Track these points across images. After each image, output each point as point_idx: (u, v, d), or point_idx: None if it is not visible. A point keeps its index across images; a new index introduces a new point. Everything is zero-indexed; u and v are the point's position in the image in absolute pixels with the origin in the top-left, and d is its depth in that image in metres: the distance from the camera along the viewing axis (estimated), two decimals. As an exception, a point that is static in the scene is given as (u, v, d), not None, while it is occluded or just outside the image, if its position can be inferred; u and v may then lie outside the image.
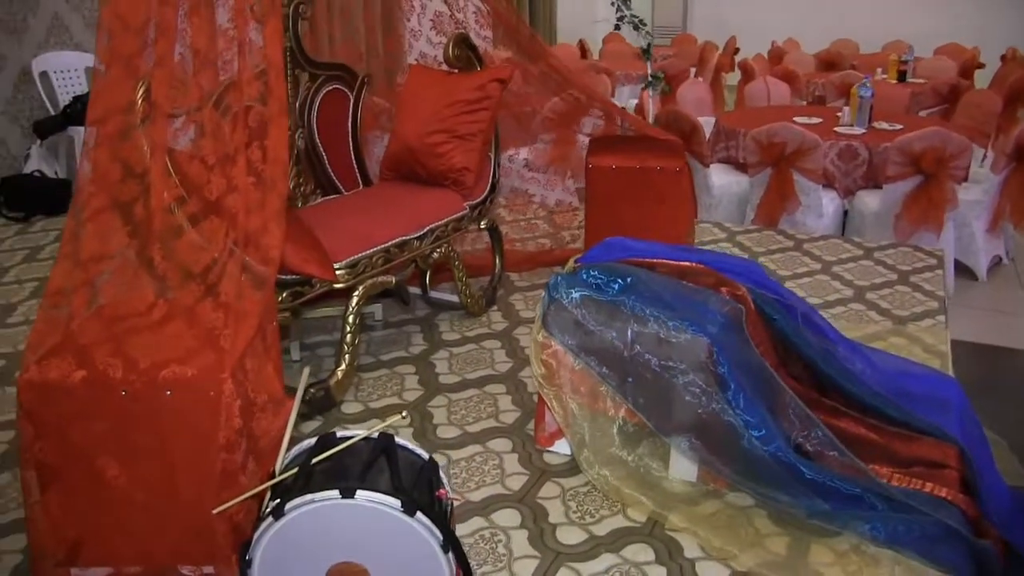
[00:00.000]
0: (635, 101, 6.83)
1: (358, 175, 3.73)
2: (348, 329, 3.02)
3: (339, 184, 3.63)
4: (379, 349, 3.46)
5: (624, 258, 2.76)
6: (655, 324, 2.42)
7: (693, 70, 8.81)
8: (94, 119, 2.35)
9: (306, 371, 2.15)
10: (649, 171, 3.80)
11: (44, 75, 5.80)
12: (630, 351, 2.45)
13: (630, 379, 2.46)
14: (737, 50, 10.02)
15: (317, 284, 2.84)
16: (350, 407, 3.03)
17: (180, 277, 2.10)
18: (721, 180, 5.54)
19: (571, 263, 2.86)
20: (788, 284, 4.03)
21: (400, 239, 3.18)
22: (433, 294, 3.81)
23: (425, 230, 3.30)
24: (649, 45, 4.54)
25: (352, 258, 2.98)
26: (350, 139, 3.68)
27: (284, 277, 2.74)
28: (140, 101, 2.36)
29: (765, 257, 4.41)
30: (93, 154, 2.32)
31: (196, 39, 2.34)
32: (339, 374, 3.00)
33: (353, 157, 3.70)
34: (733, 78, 9.33)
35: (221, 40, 2.37)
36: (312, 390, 2.95)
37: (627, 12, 4.46)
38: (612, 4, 4.53)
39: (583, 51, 9.96)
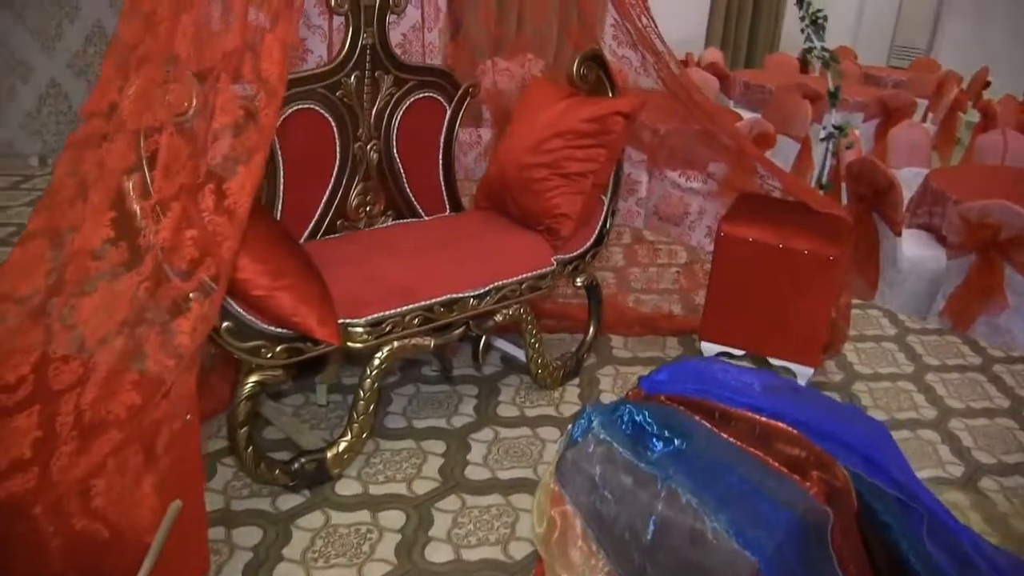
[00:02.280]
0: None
1: (445, 198, 3.19)
2: (361, 397, 2.52)
3: (418, 206, 3.11)
4: (418, 410, 2.94)
5: (698, 396, 2.08)
6: (692, 514, 1.74)
7: (924, 105, 7.61)
8: (83, 113, 1.96)
9: (175, 505, 1.65)
10: (793, 253, 3.03)
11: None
12: (651, 540, 1.79)
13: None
14: (987, 84, 8.62)
15: (322, 343, 2.35)
16: (347, 486, 2.53)
17: (70, 348, 1.65)
18: (914, 252, 4.56)
19: (636, 382, 2.21)
20: (955, 423, 3.13)
21: (450, 296, 2.62)
22: (505, 346, 3.25)
23: (488, 288, 2.73)
24: (837, 88, 3.68)
25: (376, 315, 2.46)
26: (440, 156, 3.14)
27: (277, 330, 2.27)
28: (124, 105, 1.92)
29: (935, 373, 3.50)
30: (60, 159, 1.94)
31: (179, 40, 1.87)
32: (340, 446, 2.51)
33: (441, 177, 3.17)
34: (975, 115, 8.01)
35: (221, 43, 1.89)
36: (303, 460, 2.48)
37: (816, 44, 3.64)
38: (801, 31, 3.72)
39: (803, 64, 8.91)
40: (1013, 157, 5.91)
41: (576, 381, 3.20)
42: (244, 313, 2.21)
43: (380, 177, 2.97)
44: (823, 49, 3.66)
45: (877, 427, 2.17)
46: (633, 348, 3.49)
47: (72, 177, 1.91)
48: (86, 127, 1.93)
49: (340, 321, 2.40)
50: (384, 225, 3.02)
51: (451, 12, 4.25)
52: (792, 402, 2.10)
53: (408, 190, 3.07)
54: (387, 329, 2.49)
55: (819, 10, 3.67)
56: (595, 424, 1.94)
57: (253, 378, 2.30)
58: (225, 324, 2.18)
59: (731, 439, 1.93)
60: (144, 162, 1.84)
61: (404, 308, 2.52)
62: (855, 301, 4.02)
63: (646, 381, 2.15)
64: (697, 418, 1.97)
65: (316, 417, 2.88)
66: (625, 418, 1.92)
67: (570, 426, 1.99)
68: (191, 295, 1.73)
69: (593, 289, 3.22)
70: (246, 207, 1.79)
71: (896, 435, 2.34)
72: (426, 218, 3.12)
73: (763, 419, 1.99)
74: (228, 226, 1.76)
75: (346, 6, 2.68)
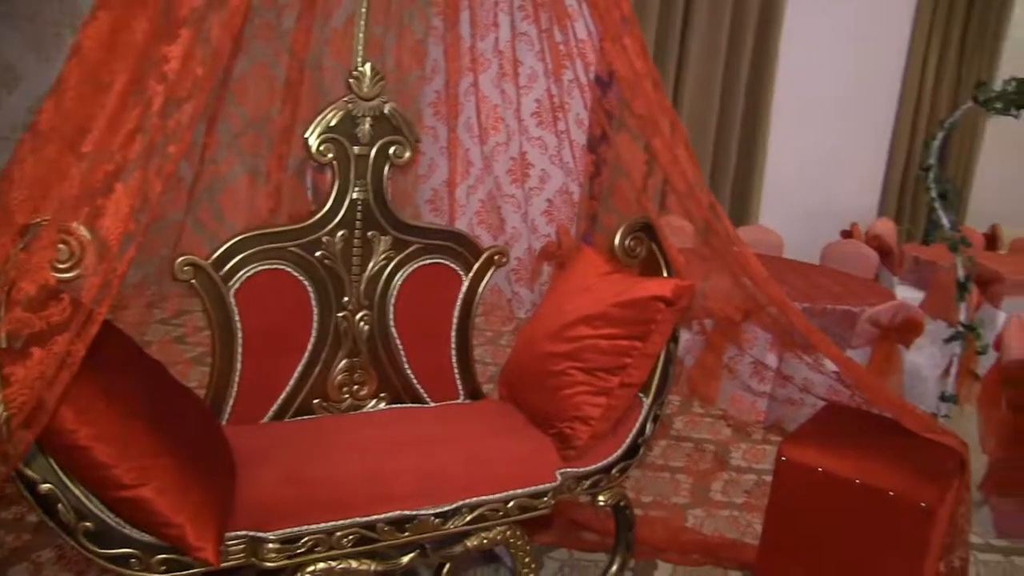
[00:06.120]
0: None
1: (459, 383, 2.72)
2: (269, 632, 2.03)
3: (422, 391, 2.65)
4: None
5: None
6: None
7: None
8: None
9: None
10: (875, 493, 2.30)
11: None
12: None
13: None
14: None
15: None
16: None
17: None
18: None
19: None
20: None
21: (400, 513, 2.12)
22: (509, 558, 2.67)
23: (456, 505, 2.19)
24: (967, 279, 2.96)
25: (293, 530, 1.99)
26: (453, 333, 2.69)
27: (151, 539, 1.84)
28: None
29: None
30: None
31: (16, 183, 1.56)
32: None
33: (454, 358, 2.71)
34: None
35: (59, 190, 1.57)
36: None
37: (947, 220, 2.96)
38: (928, 204, 3.06)
39: (992, 239, 7.87)
40: None
41: (587, 626, 2.56)
42: (107, 514, 1.81)
43: (371, 354, 2.56)
44: (950, 232, 2.97)
45: None
46: (682, 583, 2.81)
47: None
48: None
49: (249, 533, 1.96)
50: (374, 409, 2.58)
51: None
52: None
53: (408, 371, 2.63)
54: (304, 548, 2.01)
55: (947, 180, 3.02)
56: None
57: (122, 596, 1.88)
58: (84, 524, 1.79)
59: None
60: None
61: (331, 524, 2.03)
62: (987, 557, 3.11)
63: None
64: None
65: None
66: None
67: None
68: None
69: (621, 511, 2.60)
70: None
71: None
72: (431, 405, 2.66)
73: None
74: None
75: (331, 155, 2.36)
